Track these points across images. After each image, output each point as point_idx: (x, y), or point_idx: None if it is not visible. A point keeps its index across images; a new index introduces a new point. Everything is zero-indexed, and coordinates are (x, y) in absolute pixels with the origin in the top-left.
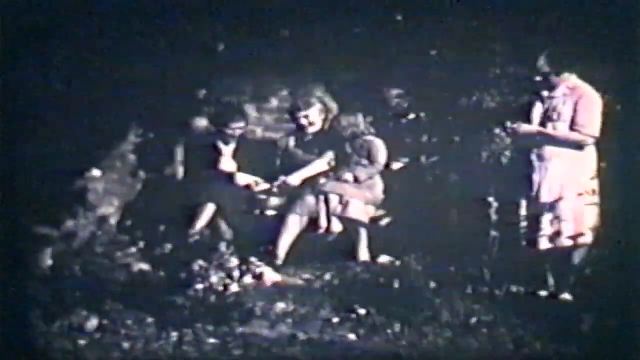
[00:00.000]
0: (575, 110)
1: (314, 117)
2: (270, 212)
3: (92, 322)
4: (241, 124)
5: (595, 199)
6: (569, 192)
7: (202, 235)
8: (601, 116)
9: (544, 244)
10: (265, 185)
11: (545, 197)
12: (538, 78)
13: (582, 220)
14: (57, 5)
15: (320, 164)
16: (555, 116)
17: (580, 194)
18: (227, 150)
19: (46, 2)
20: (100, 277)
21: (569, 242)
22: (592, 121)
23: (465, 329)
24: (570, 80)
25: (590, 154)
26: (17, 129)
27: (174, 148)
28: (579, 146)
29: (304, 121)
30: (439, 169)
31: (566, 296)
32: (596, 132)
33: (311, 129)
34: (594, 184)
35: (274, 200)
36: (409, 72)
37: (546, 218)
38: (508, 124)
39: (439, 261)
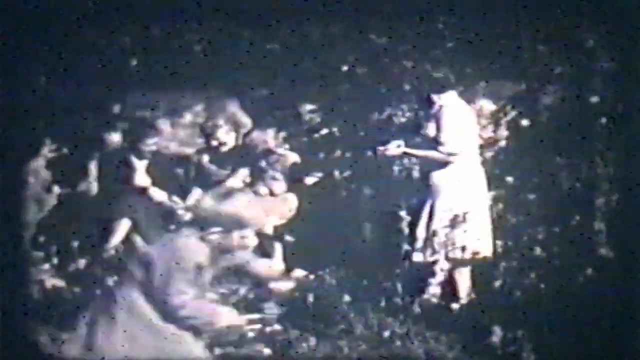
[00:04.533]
0: (437, 128)
1: (224, 138)
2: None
3: None
4: (155, 139)
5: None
6: (466, 207)
7: (117, 250)
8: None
9: (416, 257)
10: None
11: (440, 212)
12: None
13: (482, 234)
14: None
15: (235, 182)
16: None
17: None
18: (141, 165)
19: None
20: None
21: (469, 256)
22: (452, 138)
23: (379, 342)
24: (443, 97)
25: (478, 170)
26: None
27: (88, 163)
28: (443, 163)
29: (215, 143)
30: (353, 183)
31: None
32: (457, 148)
33: (224, 148)
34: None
35: (189, 216)
36: (321, 88)
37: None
38: (379, 148)
39: (352, 275)
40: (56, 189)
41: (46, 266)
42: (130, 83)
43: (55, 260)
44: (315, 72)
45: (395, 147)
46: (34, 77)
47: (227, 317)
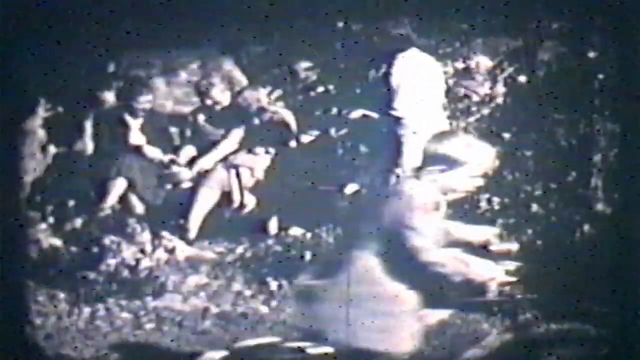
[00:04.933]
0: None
1: (218, 97)
2: (185, 185)
3: None
4: (149, 97)
5: None
6: None
7: (113, 210)
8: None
9: None
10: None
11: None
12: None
13: None
14: None
15: (230, 143)
16: None
17: None
18: (135, 124)
19: None
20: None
21: None
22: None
23: None
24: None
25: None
26: None
27: (83, 123)
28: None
29: (209, 102)
30: (350, 141)
31: None
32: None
33: (219, 107)
34: None
35: (186, 174)
36: (317, 44)
37: None
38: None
39: (350, 232)
40: (52, 149)
41: (43, 226)
42: (125, 41)
43: (51, 220)
44: (311, 29)
45: None
46: (28, 37)
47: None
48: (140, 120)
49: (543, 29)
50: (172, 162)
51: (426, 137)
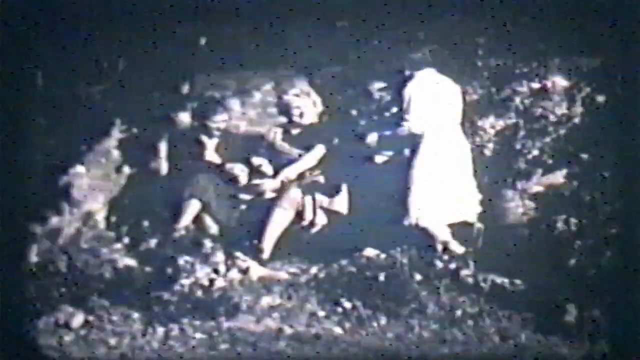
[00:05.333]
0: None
1: (305, 110)
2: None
3: (78, 319)
4: (224, 116)
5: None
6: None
7: (187, 230)
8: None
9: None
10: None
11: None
12: None
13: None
14: (41, 4)
15: (312, 158)
16: None
17: None
18: (210, 144)
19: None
20: (86, 274)
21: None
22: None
23: (451, 321)
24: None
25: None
26: (1, 127)
27: (158, 143)
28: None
29: (296, 112)
30: None
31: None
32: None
33: (302, 121)
34: None
35: (270, 184)
36: (391, 67)
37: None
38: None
39: (424, 253)
40: (126, 169)
41: (118, 246)
42: (200, 63)
43: (126, 240)
44: (386, 51)
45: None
46: (106, 58)
47: None
48: (215, 140)
49: (621, 49)
50: (257, 170)
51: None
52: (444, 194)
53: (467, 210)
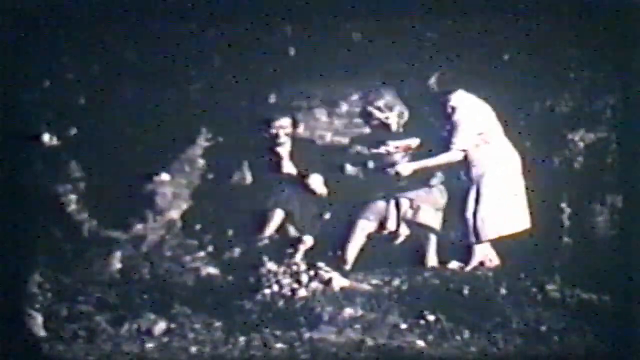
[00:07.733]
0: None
1: (392, 121)
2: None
3: (160, 326)
4: (310, 126)
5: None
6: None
7: (271, 240)
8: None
9: None
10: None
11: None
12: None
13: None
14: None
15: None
16: None
17: None
18: (284, 152)
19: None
20: (168, 281)
21: None
22: (464, 135)
23: (536, 336)
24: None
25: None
26: (88, 132)
27: (243, 153)
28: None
29: (384, 120)
30: None
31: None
32: (463, 145)
33: (394, 127)
34: None
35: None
36: (480, 76)
37: None
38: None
39: (509, 267)
40: (210, 177)
41: (201, 254)
42: (288, 73)
43: (210, 249)
44: (475, 61)
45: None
46: (194, 66)
47: None
48: (287, 147)
49: None
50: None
51: None
52: (503, 205)
53: (524, 218)
